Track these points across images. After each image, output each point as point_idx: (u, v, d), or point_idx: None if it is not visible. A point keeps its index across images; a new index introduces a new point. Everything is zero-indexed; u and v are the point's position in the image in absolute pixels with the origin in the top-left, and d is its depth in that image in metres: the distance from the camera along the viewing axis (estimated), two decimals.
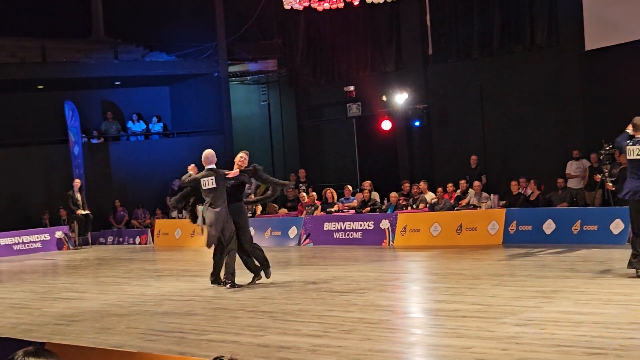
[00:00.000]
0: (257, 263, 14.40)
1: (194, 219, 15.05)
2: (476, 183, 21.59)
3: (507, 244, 18.00)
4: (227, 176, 14.03)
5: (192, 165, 14.77)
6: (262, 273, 14.39)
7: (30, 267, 20.79)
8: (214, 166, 14.15)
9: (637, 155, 12.15)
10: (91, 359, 6.57)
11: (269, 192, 15.28)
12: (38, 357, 2.89)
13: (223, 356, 2.83)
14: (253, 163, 14.89)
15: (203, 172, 14.16)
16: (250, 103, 32.25)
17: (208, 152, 14.33)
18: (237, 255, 14.11)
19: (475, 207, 20.89)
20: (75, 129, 27.15)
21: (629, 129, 12.36)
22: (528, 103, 23.86)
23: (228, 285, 13.85)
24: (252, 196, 17.57)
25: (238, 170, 14.19)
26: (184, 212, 15.31)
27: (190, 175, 14.47)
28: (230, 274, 13.95)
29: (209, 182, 13.98)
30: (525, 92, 23.93)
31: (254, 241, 14.81)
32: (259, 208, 25.00)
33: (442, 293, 11.91)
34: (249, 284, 14.12)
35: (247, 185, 14.65)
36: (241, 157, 14.45)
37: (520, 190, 20.52)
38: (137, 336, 10.00)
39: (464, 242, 18.63)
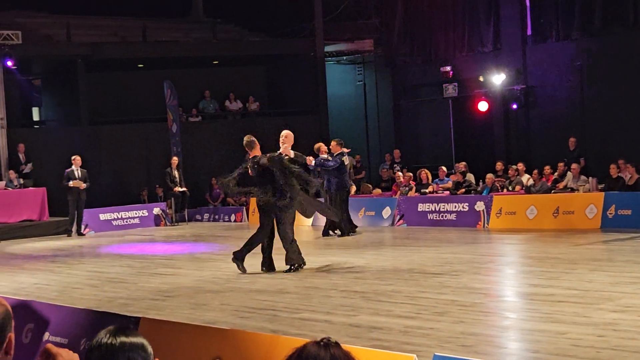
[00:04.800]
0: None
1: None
2: (574, 166, 21.19)
3: (605, 229, 17.62)
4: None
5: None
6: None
7: (128, 243, 21.20)
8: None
9: None
10: (185, 335, 6.68)
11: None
12: (127, 336, 2.91)
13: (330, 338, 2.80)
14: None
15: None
16: (346, 83, 32.23)
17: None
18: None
19: (572, 190, 20.51)
20: (174, 108, 27.55)
21: None
22: (629, 85, 23.27)
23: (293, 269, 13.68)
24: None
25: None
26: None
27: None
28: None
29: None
30: (627, 74, 23.33)
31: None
32: (353, 188, 24.99)
33: (538, 277, 11.75)
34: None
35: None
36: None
37: (619, 174, 20.08)
38: (230, 313, 10.12)
39: (561, 226, 18.31)
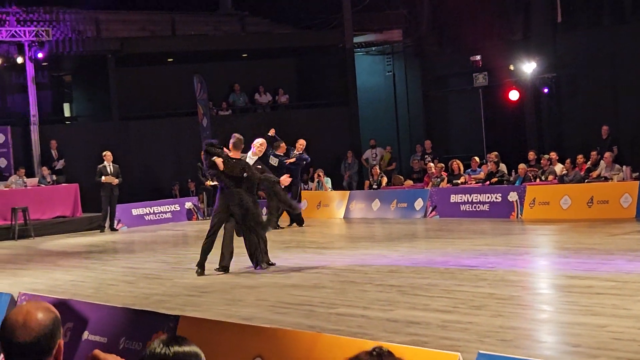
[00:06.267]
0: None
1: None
2: (607, 154, 20.99)
3: None
4: None
5: None
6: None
7: (161, 238, 21.26)
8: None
9: None
10: (225, 333, 6.67)
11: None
12: (180, 345, 2.90)
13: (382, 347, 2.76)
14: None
15: None
16: (375, 74, 32.14)
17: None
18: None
19: (606, 179, 20.33)
20: (204, 101, 27.57)
21: None
22: None
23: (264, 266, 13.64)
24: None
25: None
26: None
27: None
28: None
29: None
30: None
31: None
32: (385, 179, 24.89)
33: (574, 268, 11.65)
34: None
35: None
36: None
37: None
38: (266, 308, 10.11)
39: (595, 216, 18.14)
